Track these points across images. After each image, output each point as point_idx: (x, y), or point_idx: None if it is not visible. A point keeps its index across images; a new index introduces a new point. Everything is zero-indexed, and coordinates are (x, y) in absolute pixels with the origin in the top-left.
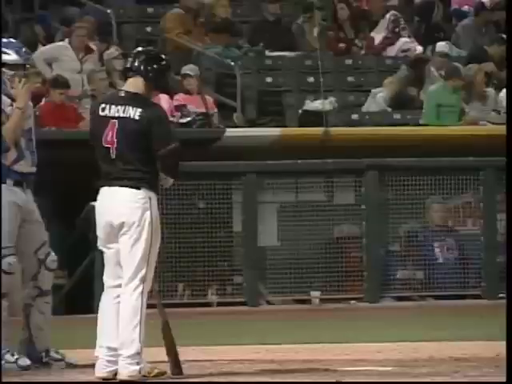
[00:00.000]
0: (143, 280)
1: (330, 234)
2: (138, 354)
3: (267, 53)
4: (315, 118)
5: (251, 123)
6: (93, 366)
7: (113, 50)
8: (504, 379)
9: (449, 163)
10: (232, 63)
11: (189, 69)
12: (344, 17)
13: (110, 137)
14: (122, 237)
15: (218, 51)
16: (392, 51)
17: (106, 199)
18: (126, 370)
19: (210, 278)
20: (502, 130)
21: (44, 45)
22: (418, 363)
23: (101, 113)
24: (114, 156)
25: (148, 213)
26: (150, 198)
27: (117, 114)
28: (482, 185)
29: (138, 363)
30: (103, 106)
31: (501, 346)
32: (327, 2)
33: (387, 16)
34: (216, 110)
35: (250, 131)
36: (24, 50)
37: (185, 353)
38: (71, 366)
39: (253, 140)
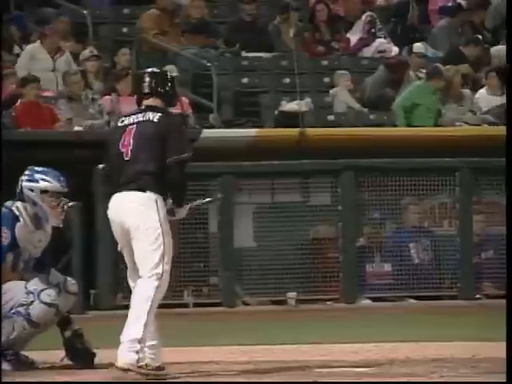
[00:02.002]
0: (160, 277)
1: (306, 235)
2: (139, 341)
3: (243, 53)
4: (291, 119)
5: (227, 124)
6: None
7: (88, 51)
8: (504, 379)
9: (425, 164)
10: (208, 64)
11: (169, 69)
12: (322, 18)
13: (126, 141)
14: (134, 239)
15: (194, 52)
16: (368, 52)
17: (116, 205)
18: (124, 358)
19: (186, 278)
20: (477, 130)
21: (19, 45)
22: (394, 364)
23: (119, 124)
24: (127, 158)
25: (155, 214)
26: (156, 200)
27: (136, 120)
28: (457, 186)
29: (136, 352)
30: (123, 119)
31: (477, 347)
32: (303, 3)
33: (363, 17)
34: (191, 110)
35: (226, 132)
36: (62, 178)
37: (161, 353)
38: (34, 366)
39: (229, 141)
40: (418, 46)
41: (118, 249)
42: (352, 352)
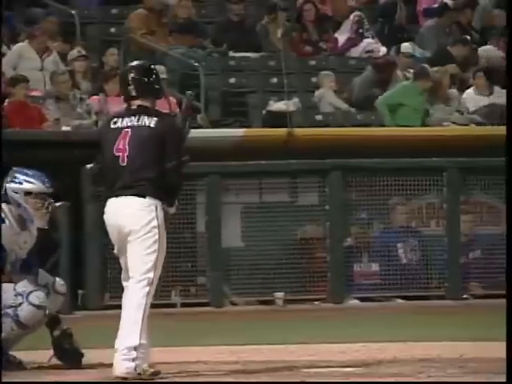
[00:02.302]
0: (151, 283)
1: (294, 235)
2: (135, 348)
3: (231, 53)
4: (279, 119)
5: (215, 124)
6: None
7: (76, 51)
8: (504, 379)
9: (412, 164)
10: (196, 64)
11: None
12: (310, 18)
13: (121, 145)
14: (130, 242)
15: (181, 52)
16: (356, 52)
17: (114, 210)
18: (122, 367)
19: (174, 278)
20: (465, 130)
21: (7, 45)
22: (382, 364)
23: (112, 126)
24: (123, 163)
25: (154, 219)
26: (155, 206)
27: (130, 124)
28: (445, 186)
29: (133, 359)
30: (115, 120)
31: (464, 347)
32: (291, 3)
33: (351, 17)
34: (179, 110)
35: (213, 132)
36: (47, 179)
37: (150, 353)
38: (22, 367)
39: (217, 141)
40: (405, 46)
41: (115, 251)
42: (339, 352)
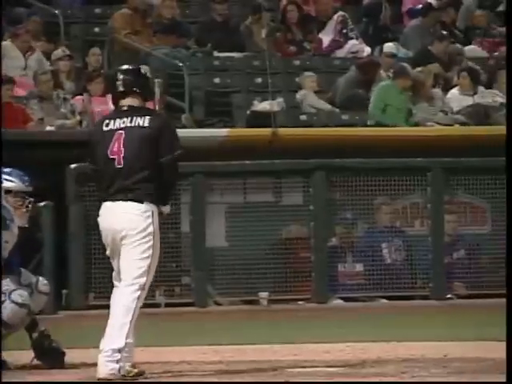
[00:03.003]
0: (142, 288)
1: (278, 235)
2: (120, 351)
3: (215, 53)
4: (263, 119)
5: (199, 124)
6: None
7: (60, 51)
8: (504, 379)
9: (396, 164)
10: (180, 64)
11: (144, 69)
12: (293, 19)
13: (116, 147)
14: (125, 246)
15: (165, 52)
16: (340, 53)
17: (109, 213)
18: (106, 368)
19: (158, 278)
20: (449, 130)
21: None
22: (366, 364)
23: (104, 128)
24: (119, 166)
25: (150, 225)
26: (152, 212)
27: (123, 125)
28: (429, 185)
29: (117, 361)
30: (107, 121)
31: (448, 347)
32: (275, 4)
33: (335, 17)
34: (163, 110)
35: (198, 132)
36: (26, 178)
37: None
38: (6, 367)
39: (201, 141)
40: (388, 46)
41: (107, 253)
42: (324, 352)
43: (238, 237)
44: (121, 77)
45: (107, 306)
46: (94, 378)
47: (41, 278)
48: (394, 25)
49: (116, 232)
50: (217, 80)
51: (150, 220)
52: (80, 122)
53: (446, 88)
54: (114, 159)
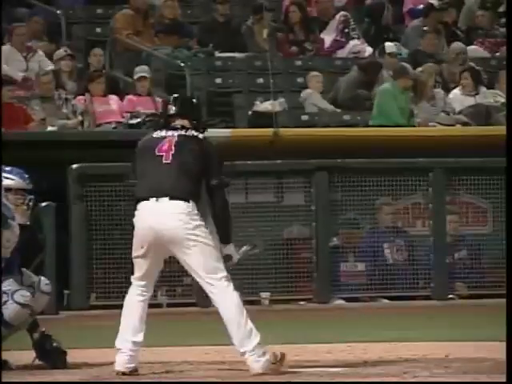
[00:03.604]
0: (229, 278)
1: (280, 235)
2: (260, 344)
3: (217, 54)
4: (265, 119)
5: None
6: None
7: (62, 51)
8: (503, 379)
9: (398, 164)
10: (182, 64)
11: (142, 70)
12: (295, 19)
13: (165, 146)
14: (184, 249)
15: (167, 52)
16: (342, 53)
17: (153, 212)
18: (258, 364)
19: (160, 278)
20: (451, 130)
21: None
22: (367, 364)
23: (154, 135)
24: (167, 161)
25: (198, 221)
26: (198, 210)
27: (176, 134)
28: (431, 186)
29: (264, 353)
30: (158, 131)
31: (450, 347)
32: (277, 4)
33: (337, 17)
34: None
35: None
36: (26, 176)
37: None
38: (7, 367)
39: None
40: (389, 46)
41: (138, 253)
42: (325, 352)
43: (240, 237)
44: (175, 102)
45: (109, 307)
46: (95, 378)
47: (42, 278)
48: (396, 25)
49: (163, 229)
50: (218, 80)
51: (196, 217)
52: (81, 123)
53: (447, 86)
54: (161, 156)
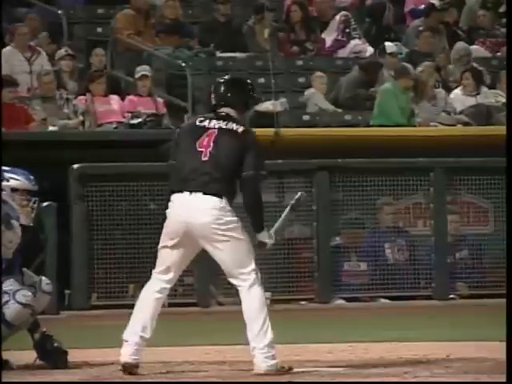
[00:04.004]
0: (256, 271)
1: (281, 235)
2: (272, 345)
3: (218, 54)
4: (266, 119)
5: None
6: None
7: (63, 51)
8: (504, 379)
9: (399, 164)
10: (183, 64)
11: (144, 69)
12: (296, 18)
13: (205, 142)
14: (217, 244)
15: (168, 52)
16: (343, 53)
17: (187, 206)
18: (265, 364)
19: None
20: (452, 130)
21: None
22: (368, 364)
23: (198, 123)
24: (205, 158)
25: (230, 217)
26: (230, 205)
27: (217, 126)
28: (432, 186)
29: (273, 356)
30: (202, 119)
31: (451, 347)
32: (278, 4)
33: (337, 17)
34: (165, 110)
35: None
36: (32, 177)
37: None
38: (8, 366)
39: None
40: (390, 46)
41: (169, 244)
42: (326, 352)
43: None
44: (222, 88)
45: (110, 307)
46: (95, 378)
47: (43, 278)
48: (397, 25)
49: (196, 223)
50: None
51: (229, 212)
52: (82, 123)
53: (446, 86)
54: (201, 152)
